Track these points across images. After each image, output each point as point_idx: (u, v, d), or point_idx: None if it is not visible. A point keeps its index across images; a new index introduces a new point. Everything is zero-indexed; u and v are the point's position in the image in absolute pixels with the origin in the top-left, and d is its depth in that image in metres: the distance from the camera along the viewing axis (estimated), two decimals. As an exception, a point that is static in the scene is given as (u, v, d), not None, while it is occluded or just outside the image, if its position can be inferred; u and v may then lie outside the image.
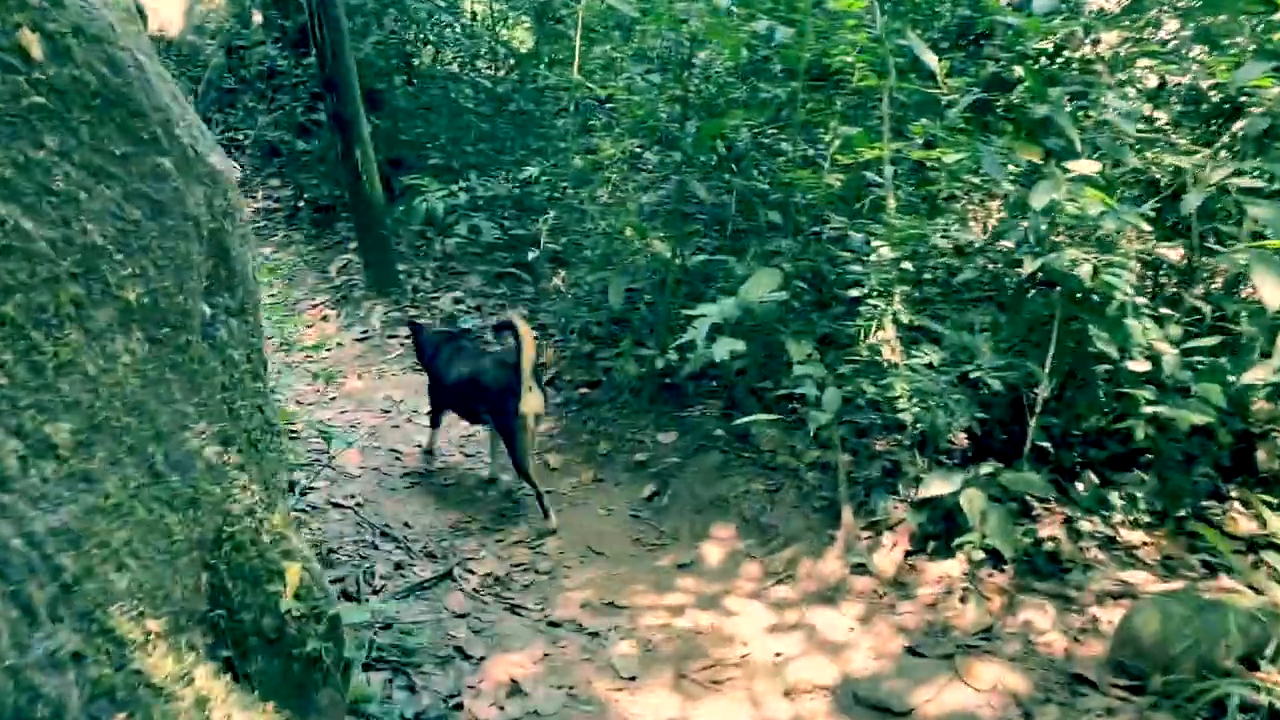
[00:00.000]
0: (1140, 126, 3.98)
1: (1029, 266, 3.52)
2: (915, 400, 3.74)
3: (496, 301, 6.93)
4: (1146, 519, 3.80)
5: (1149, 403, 3.58)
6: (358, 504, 4.38)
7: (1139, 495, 3.81)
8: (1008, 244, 4.04)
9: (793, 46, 4.43)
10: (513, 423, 4.21)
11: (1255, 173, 3.64)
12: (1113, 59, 4.35)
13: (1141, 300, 3.62)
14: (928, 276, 4.26)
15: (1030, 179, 3.81)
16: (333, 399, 5.72)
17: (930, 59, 3.97)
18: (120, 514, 1.79)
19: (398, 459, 4.97)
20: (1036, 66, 4.29)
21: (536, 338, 4.33)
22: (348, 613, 2.38)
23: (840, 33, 4.36)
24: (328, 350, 6.49)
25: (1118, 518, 3.79)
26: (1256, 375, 3.38)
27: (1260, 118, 3.72)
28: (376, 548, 4.00)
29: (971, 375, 3.68)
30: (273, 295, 7.30)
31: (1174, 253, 4.17)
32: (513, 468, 4.38)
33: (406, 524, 4.26)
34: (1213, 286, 4.10)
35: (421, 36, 9.04)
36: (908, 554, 3.78)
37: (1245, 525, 3.67)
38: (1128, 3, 4.59)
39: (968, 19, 4.97)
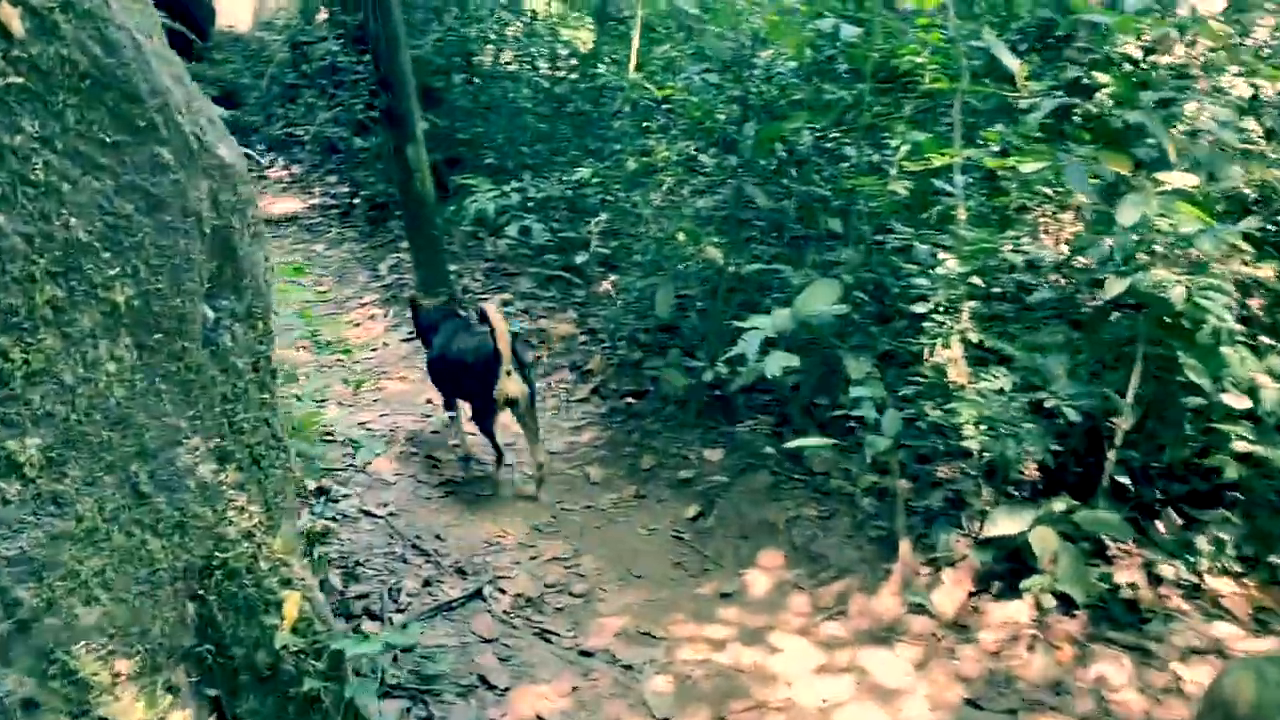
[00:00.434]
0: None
1: (1115, 287, 3.24)
2: (983, 427, 3.46)
3: (546, 305, 6.75)
4: (1235, 566, 3.50)
5: (1243, 439, 3.29)
6: (390, 513, 4.23)
7: (1226, 539, 3.50)
8: (1084, 260, 3.75)
9: (860, 46, 4.30)
10: (489, 405, 4.41)
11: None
12: (1206, 64, 4.04)
13: (1239, 327, 3.32)
14: (998, 292, 3.99)
15: (1110, 192, 3.54)
16: (374, 401, 5.59)
17: (1011, 61, 3.74)
18: (93, 540, 1.62)
19: (435, 466, 4.82)
20: (1124, 71, 3.99)
21: (529, 337, 4.29)
22: (358, 645, 2.20)
23: (911, 32, 4.14)
24: (373, 350, 6.38)
25: (1204, 564, 3.48)
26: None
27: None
28: (406, 561, 3.84)
29: (1046, 404, 3.40)
30: (321, 292, 7.23)
31: (1269, 273, 3.83)
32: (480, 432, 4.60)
33: (438, 536, 4.10)
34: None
35: (482, 34, 8.94)
36: (970, 594, 3.52)
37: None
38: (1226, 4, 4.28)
39: (1048, 20, 4.67)
